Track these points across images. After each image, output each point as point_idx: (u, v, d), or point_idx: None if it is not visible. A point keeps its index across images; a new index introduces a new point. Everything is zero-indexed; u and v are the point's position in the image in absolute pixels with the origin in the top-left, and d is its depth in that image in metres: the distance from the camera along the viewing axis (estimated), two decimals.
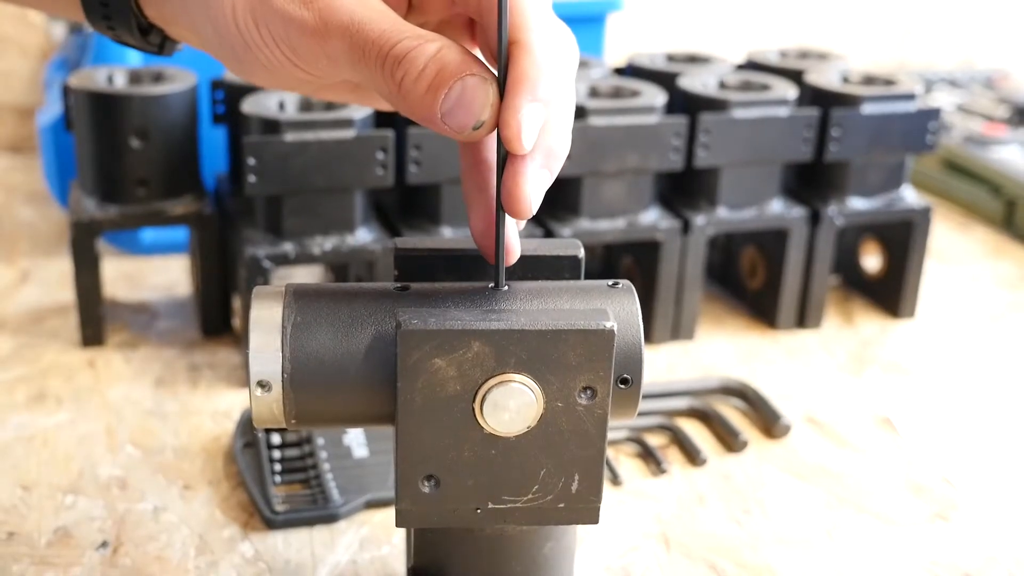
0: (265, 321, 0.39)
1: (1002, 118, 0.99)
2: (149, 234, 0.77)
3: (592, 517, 0.40)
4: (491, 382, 0.37)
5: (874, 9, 1.26)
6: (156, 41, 0.45)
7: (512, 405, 0.37)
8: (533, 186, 0.37)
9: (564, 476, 0.39)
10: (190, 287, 0.73)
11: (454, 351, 0.37)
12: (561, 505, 0.40)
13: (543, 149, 0.37)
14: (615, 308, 0.39)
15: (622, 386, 0.39)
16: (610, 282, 0.41)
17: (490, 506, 0.39)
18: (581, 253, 0.42)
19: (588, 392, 0.38)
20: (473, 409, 0.38)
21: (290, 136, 0.59)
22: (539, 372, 0.37)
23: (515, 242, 0.40)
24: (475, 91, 0.36)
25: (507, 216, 0.38)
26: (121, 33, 0.45)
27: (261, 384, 0.38)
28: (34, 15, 0.97)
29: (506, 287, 0.40)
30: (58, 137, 0.75)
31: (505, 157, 0.37)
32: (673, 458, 0.58)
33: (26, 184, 0.89)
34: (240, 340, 0.66)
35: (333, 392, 0.39)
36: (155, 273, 0.76)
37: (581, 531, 0.46)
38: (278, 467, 0.54)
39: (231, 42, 0.40)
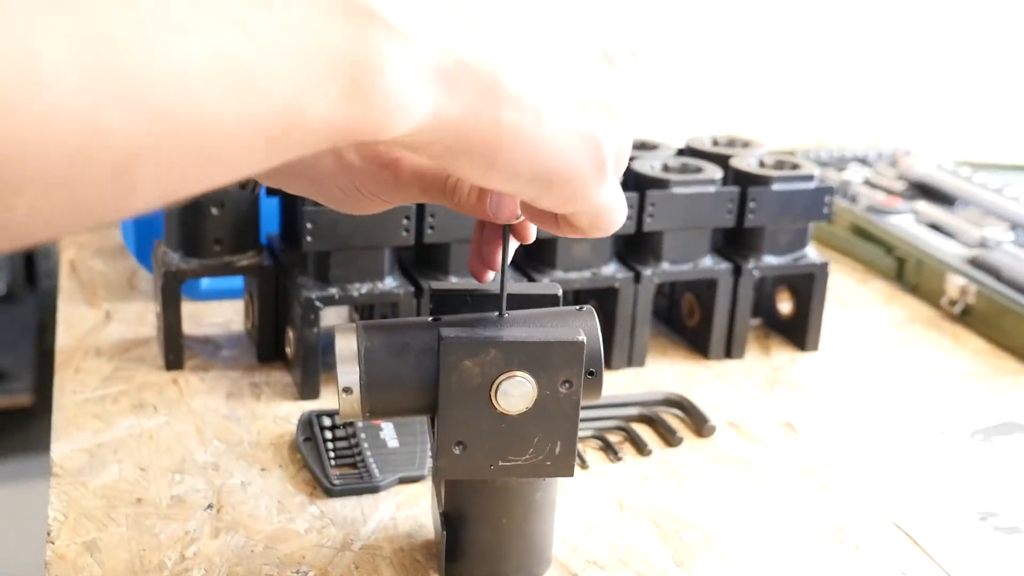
0: (346, 347, 0.55)
1: (899, 191, 1.19)
2: (206, 282, 0.95)
3: (569, 471, 0.56)
4: (502, 377, 0.52)
5: (800, 98, 1.48)
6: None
7: (516, 393, 0.53)
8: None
9: (550, 442, 0.55)
10: (244, 324, 0.91)
11: (478, 355, 0.53)
12: (548, 463, 0.55)
13: None
14: (583, 324, 0.58)
15: (590, 376, 0.57)
16: (577, 307, 0.59)
17: (500, 464, 0.54)
18: (559, 292, 0.60)
19: (567, 384, 0.53)
20: (490, 395, 0.53)
21: None
22: (534, 370, 0.53)
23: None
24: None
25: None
26: None
27: (346, 390, 0.54)
28: None
29: (507, 316, 0.59)
30: None
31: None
32: (626, 450, 0.77)
33: (94, 241, 1.06)
34: (291, 364, 0.83)
35: (394, 392, 0.55)
36: (212, 314, 0.94)
37: (559, 498, 0.64)
38: (332, 454, 0.72)
39: (335, 198, 0.55)
